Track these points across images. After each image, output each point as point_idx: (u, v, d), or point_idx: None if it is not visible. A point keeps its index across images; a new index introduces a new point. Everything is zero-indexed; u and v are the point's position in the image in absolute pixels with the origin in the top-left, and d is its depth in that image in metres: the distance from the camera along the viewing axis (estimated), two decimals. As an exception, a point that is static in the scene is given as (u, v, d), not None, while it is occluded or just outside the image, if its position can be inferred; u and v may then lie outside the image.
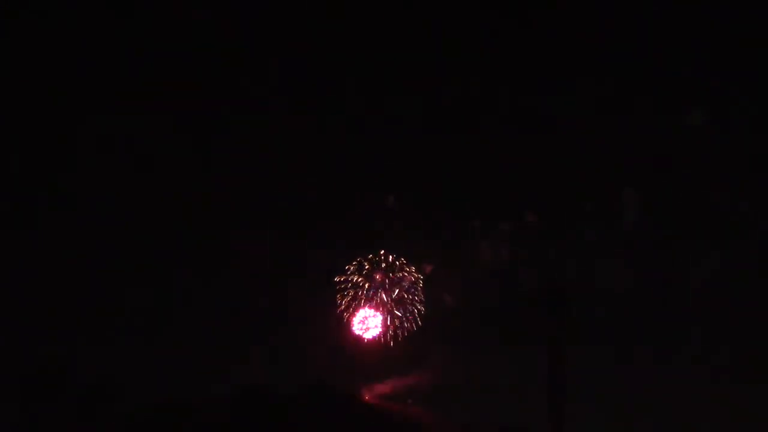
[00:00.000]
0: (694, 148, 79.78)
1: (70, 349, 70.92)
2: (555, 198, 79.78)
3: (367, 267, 77.17)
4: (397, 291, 77.19)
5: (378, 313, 77.05)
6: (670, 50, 79.94)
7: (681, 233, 79.38)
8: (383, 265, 77.23)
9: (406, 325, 77.36)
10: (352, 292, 77.02)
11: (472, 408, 73.25)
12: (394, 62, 80.00)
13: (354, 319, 76.95)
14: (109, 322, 73.38)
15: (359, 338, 76.92)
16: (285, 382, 71.60)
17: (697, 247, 79.17)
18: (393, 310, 77.23)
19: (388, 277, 77.32)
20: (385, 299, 77.33)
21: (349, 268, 77.05)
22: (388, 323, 77.10)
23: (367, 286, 77.06)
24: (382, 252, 77.24)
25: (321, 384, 72.32)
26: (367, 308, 77.12)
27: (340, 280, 77.05)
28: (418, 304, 77.55)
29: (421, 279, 77.89)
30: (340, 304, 77.00)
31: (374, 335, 76.96)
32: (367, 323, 76.84)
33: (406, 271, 77.63)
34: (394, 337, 77.10)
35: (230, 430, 68.21)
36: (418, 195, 80.00)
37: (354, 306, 77.12)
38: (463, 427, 72.69)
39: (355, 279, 77.08)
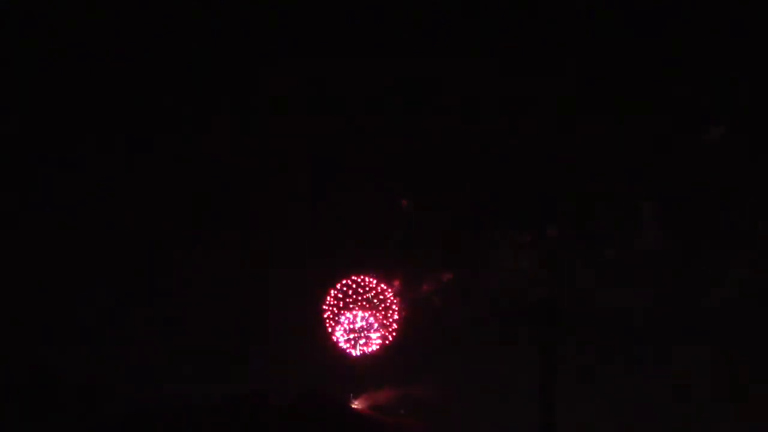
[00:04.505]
0: (715, 165, 78.09)
1: (62, 351, 72.33)
2: (572, 212, 78.89)
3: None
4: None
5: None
6: (694, 64, 78.37)
7: (699, 251, 77.91)
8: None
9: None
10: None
11: (465, 420, 73.53)
12: (422, 68, 79.63)
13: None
14: (102, 325, 75.16)
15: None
16: (277, 390, 72.66)
17: (714, 266, 77.54)
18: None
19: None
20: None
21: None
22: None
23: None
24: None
25: (312, 393, 73.15)
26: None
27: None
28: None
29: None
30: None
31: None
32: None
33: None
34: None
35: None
36: (436, 203, 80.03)
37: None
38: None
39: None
